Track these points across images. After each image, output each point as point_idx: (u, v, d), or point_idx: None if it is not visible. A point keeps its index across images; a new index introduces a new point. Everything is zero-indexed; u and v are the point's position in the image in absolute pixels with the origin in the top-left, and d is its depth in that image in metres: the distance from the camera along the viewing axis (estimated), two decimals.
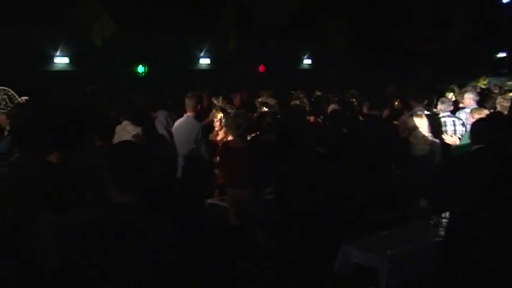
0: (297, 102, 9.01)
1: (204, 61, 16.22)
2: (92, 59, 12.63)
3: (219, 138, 6.78)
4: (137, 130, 6.21)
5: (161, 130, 7.42)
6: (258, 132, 6.40)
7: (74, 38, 12.20)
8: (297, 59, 18.88)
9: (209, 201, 6.29)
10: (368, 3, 15.50)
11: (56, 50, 13.16)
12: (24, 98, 5.98)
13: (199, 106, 6.43)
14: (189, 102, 6.41)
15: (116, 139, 5.08)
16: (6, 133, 5.61)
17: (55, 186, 3.27)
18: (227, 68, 15.17)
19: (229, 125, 5.70)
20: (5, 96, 5.86)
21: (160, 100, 8.41)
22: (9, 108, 5.69)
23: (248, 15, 12.26)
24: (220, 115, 6.86)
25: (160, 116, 7.55)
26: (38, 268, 3.16)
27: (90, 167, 3.95)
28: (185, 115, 6.57)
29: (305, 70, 18.99)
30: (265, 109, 7.69)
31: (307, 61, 19.18)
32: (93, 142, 4.89)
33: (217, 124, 6.89)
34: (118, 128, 5.86)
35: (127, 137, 5.86)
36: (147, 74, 14.50)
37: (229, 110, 7.38)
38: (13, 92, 6.00)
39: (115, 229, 2.38)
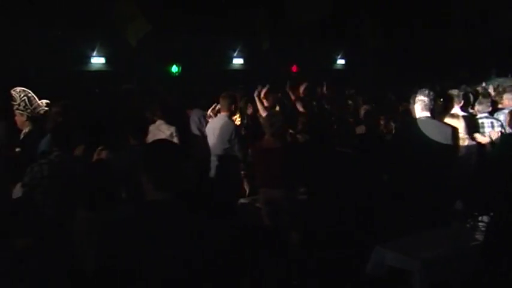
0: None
1: (238, 61, 16.28)
2: (127, 59, 12.84)
3: None
4: (171, 129, 6.31)
5: (194, 130, 7.51)
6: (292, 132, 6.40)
7: (110, 38, 12.40)
8: (330, 59, 18.78)
9: (242, 200, 6.32)
10: (402, 2, 15.30)
11: (93, 51, 13.42)
12: (44, 101, 6.04)
13: (233, 106, 6.46)
14: (223, 102, 6.44)
15: (150, 138, 5.15)
16: (22, 135, 5.73)
17: (92, 185, 3.33)
18: (260, 68, 15.20)
19: (263, 124, 5.71)
20: (25, 98, 5.89)
21: (194, 100, 8.51)
22: (28, 110, 5.80)
23: (281, 15, 12.23)
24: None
25: (194, 116, 7.64)
26: (77, 267, 3.22)
27: (126, 166, 4.04)
28: (219, 115, 6.61)
29: (338, 70, 18.87)
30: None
31: (340, 61, 19.06)
32: (128, 141, 4.97)
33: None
34: (152, 127, 5.95)
35: (161, 136, 5.95)
36: (181, 73, 14.65)
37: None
38: (33, 94, 6.06)
39: (149, 227, 2.42)
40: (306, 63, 16.22)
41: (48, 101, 6.07)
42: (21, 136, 5.75)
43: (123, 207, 2.85)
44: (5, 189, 4.34)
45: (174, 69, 14.59)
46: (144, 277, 2.41)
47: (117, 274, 2.43)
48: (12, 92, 5.85)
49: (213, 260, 2.48)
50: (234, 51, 16.11)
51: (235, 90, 8.14)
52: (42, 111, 6.02)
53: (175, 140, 6.05)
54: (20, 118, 5.77)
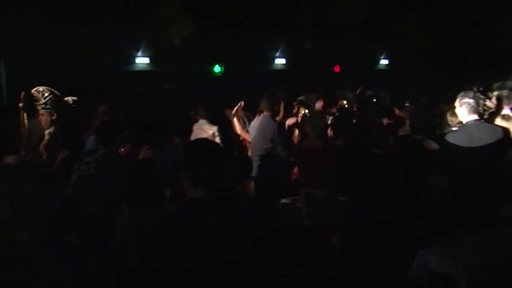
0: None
1: (280, 61, 16.25)
2: (171, 59, 13.00)
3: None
4: (213, 129, 6.38)
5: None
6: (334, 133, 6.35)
7: (155, 38, 12.59)
8: (374, 59, 18.52)
9: (283, 200, 6.31)
10: (447, 1, 14.93)
11: (138, 51, 13.66)
12: (71, 98, 5.92)
13: (276, 106, 6.48)
14: (266, 102, 6.46)
15: (193, 137, 5.21)
16: (46, 135, 5.54)
17: (137, 183, 3.39)
18: (303, 68, 15.13)
19: (306, 126, 5.70)
20: (51, 96, 5.65)
21: (236, 100, 8.56)
22: (56, 108, 5.54)
23: (324, 14, 12.17)
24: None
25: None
26: (120, 263, 3.29)
27: (169, 164, 4.09)
28: (261, 114, 6.63)
29: (382, 70, 18.59)
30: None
31: (384, 61, 18.77)
32: (172, 140, 5.04)
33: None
34: (195, 127, 6.02)
35: (203, 135, 6.02)
36: (224, 73, 14.74)
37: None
38: (57, 92, 5.93)
39: (188, 225, 2.44)
40: (349, 64, 16.05)
41: (75, 98, 6.03)
42: (46, 136, 5.55)
43: (167, 206, 2.90)
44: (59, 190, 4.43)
45: (217, 69, 14.68)
46: (183, 275, 2.44)
47: (157, 271, 2.47)
48: (34, 92, 5.68)
49: (252, 259, 2.48)
50: (277, 51, 16.09)
51: (278, 91, 8.14)
52: (69, 108, 5.97)
53: (217, 139, 6.10)
54: (46, 117, 5.59)
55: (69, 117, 5.69)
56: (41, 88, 5.70)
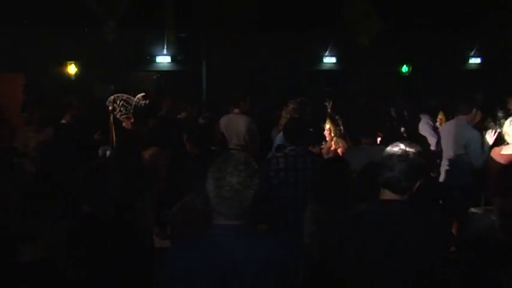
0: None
1: (475, 60, 15.17)
2: (358, 58, 12.97)
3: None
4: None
5: (425, 131, 7.24)
6: None
7: (342, 38, 12.66)
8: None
9: (473, 210, 5.89)
10: None
11: (325, 51, 13.88)
12: (140, 95, 5.99)
13: (472, 109, 6.10)
14: (464, 105, 6.12)
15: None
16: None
17: (327, 180, 3.46)
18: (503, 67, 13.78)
19: (503, 132, 5.31)
20: (122, 102, 5.90)
21: (423, 101, 8.24)
22: (131, 110, 5.79)
23: None
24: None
25: (426, 118, 7.40)
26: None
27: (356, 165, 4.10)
28: (456, 118, 6.28)
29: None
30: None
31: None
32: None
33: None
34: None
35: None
36: (411, 73, 14.25)
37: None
38: (127, 96, 6.05)
39: (374, 225, 2.45)
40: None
41: (144, 93, 6.09)
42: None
43: (357, 205, 2.93)
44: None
45: (404, 69, 14.27)
46: (363, 276, 2.44)
47: (338, 266, 2.51)
48: (107, 104, 5.90)
49: (437, 265, 2.40)
50: (471, 50, 15.02)
51: (475, 93, 7.62)
52: (143, 105, 6.03)
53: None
54: (127, 123, 5.81)
55: None
56: (111, 98, 5.97)
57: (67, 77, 12.19)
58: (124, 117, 6.06)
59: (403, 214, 2.48)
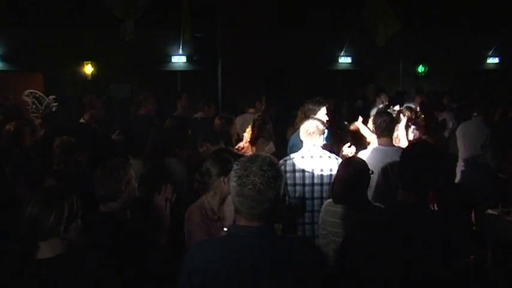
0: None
1: (493, 60, 14.99)
2: (373, 59, 12.90)
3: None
4: None
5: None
6: None
7: (358, 38, 12.61)
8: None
9: (490, 211, 5.82)
10: None
11: (341, 50, 13.84)
12: (51, 97, 5.81)
13: (490, 109, 6.05)
14: (480, 106, 6.07)
15: None
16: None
17: (345, 181, 3.45)
18: None
19: None
20: (34, 99, 5.69)
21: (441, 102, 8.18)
22: (40, 111, 5.52)
23: None
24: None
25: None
26: None
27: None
28: (473, 118, 6.21)
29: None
30: None
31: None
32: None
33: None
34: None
35: None
36: (428, 73, 14.13)
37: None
38: (40, 94, 5.85)
39: (398, 228, 2.42)
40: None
41: (54, 96, 5.86)
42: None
43: (374, 207, 2.93)
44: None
45: (420, 69, 14.17)
46: (381, 279, 2.42)
47: (359, 267, 2.49)
48: (23, 97, 5.67)
49: (458, 270, 2.36)
50: (490, 50, 14.84)
51: (493, 92, 7.55)
52: (54, 109, 5.74)
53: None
54: (37, 121, 5.44)
55: None
56: (26, 92, 5.69)
57: (84, 76, 12.31)
58: (34, 116, 5.82)
59: (424, 216, 2.45)
